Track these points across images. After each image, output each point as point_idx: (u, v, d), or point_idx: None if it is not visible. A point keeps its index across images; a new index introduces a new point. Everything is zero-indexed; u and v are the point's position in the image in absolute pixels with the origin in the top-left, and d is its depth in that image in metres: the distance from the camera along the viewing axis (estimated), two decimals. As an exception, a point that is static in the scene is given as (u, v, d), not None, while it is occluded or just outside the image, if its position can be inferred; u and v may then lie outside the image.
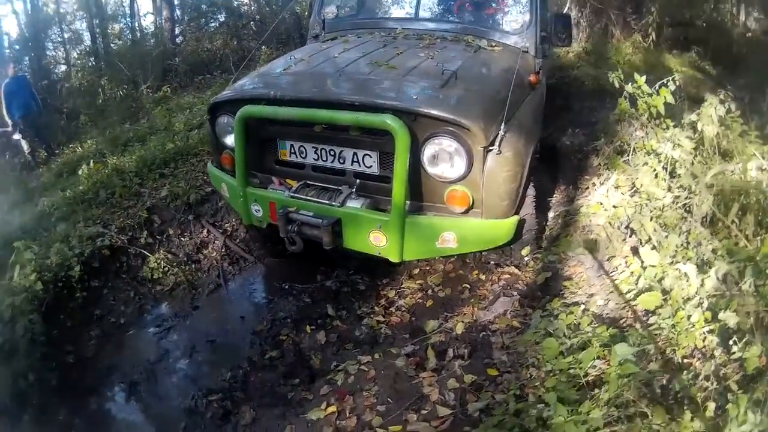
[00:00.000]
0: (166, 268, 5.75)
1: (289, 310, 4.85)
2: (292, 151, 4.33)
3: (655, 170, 4.25)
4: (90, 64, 17.43)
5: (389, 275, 4.98)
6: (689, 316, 3.02)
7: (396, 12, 6.14)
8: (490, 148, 3.68)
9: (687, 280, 3.23)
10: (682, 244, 3.60)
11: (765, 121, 6.17)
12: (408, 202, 3.90)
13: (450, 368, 3.55)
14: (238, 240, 6.10)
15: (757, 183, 3.61)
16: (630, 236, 4.10)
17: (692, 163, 4.03)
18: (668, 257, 3.56)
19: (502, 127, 3.73)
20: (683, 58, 13.53)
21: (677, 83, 4.68)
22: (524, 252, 4.55)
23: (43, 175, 10.18)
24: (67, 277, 5.30)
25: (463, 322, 4.02)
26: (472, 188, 3.77)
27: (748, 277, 2.83)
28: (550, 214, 5.42)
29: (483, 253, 4.71)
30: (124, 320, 5.26)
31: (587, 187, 5.17)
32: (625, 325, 3.30)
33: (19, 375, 4.32)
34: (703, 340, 2.86)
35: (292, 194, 4.20)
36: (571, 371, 2.82)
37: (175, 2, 18.04)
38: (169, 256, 5.93)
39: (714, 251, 3.32)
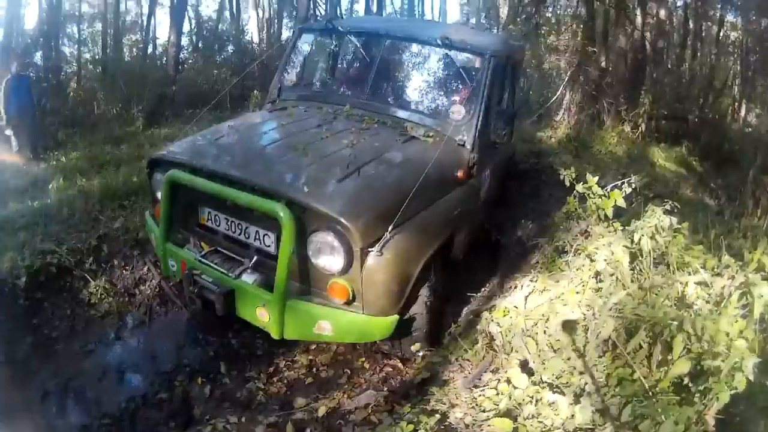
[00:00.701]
0: (103, 296, 6.15)
1: (192, 359, 5.21)
2: (209, 217, 4.68)
3: (581, 279, 4.23)
4: (97, 71, 17.75)
5: (286, 345, 5.21)
6: None
7: (350, 90, 6.34)
8: (370, 249, 3.87)
9: (556, 410, 3.32)
10: (567, 370, 3.59)
11: (729, 227, 6.23)
12: (298, 284, 4.22)
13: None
14: (171, 284, 6.36)
15: (664, 314, 3.49)
16: (514, 351, 4.04)
17: (614, 276, 4.00)
18: (548, 379, 3.59)
19: (389, 229, 3.91)
20: (670, 152, 13.68)
21: (634, 186, 4.69)
22: (414, 348, 4.60)
23: (21, 177, 10.38)
24: (13, 285, 5.77)
25: (327, 406, 4.18)
26: (352, 283, 3.95)
27: (627, 413, 2.95)
28: (465, 310, 5.37)
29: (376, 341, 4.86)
30: (56, 334, 5.67)
31: (512, 287, 4.94)
32: None
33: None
34: None
35: (199, 258, 4.53)
36: None
37: (185, 30, 18.38)
38: (108, 285, 6.31)
39: (606, 380, 3.40)
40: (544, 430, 3.23)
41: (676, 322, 3.31)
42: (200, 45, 19.69)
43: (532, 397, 3.47)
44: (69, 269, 6.30)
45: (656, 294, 3.74)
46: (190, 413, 4.49)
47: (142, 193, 7.75)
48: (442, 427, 3.52)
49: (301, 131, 5.19)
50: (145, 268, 6.60)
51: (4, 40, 17.73)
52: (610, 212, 4.58)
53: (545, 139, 12.37)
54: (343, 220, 3.83)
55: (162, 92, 15.25)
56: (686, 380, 3.12)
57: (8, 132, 11.74)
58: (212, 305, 4.38)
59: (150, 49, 21.66)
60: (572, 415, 3.16)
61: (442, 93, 5.99)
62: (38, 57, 18.51)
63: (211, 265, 4.44)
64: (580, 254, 4.53)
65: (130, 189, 8.12)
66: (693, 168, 13.73)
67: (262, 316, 4.19)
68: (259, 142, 5.02)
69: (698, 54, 22.02)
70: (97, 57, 20.82)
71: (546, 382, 3.57)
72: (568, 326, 3.88)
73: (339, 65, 6.81)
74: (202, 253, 4.62)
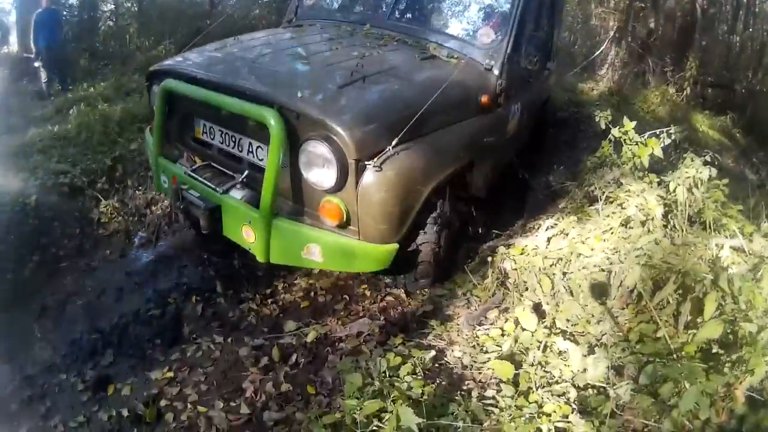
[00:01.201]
0: (113, 215, 6.10)
1: (192, 279, 5.08)
2: (204, 130, 4.43)
3: (609, 225, 3.95)
4: (133, 8, 17.69)
5: (288, 268, 4.96)
6: (541, 405, 2.79)
7: (371, 10, 5.97)
8: (367, 163, 3.49)
9: (566, 360, 3.07)
10: (584, 317, 3.39)
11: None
12: (290, 204, 3.91)
13: (278, 373, 3.63)
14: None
15: (698, 266, 3.29)
16: (526, 291, 3.80)
17: (646, 225, 3.80)
18: (561, 325, 3.37)
19: (393, 143, 3.52)
20: (714, 121, 13.35)
21: (674, 138, 4.47)
22: (418, 284, 4.42)
23: (48, 106, 10.54)
24: (23, 204, 5.74)
25: (317, 332, 3.99)
26: (346, 202, 3.59)
27: (647, 373, 2.71)
28: (483, 247, 4.97)
29: (387, 274, 4.54)
30: (63, 253, 5.63)
31: (534, 227, 4.70)
32: (463, 388, 3.05)
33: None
34: None
35: (188, 172, 4.27)
36: (354, 414, 2.63)
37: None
38: (119, 205, 6.27)
39: (627, 335, 3.15)
40: (550, 381, 2.97)
41: (710, 277, 3.06)
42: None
43: (540, 343, 3.21)
44: (81, 189, 6.28)
45: (689, 253, 3.46)
46: (179, 331, 4.36)
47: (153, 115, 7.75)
48: (437, 365, 3.29)
49: (307, 44, 4.90)
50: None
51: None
52: (645, 161, 4.36)
53: (587, 90, 12.03)
54: (336, 126, 3.45)
55: (198, 27, 15.13)
56: (715, 348, 2.84)
57: (37, 64, 11.94)
58: (197, 222, 4.19)
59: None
60: (584, 369, 2.93)
61: (471, 14, 5.55)
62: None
63: (200, 179, 4.17)
64: (611, 202, 4.23)
65: (151, 113, 7.93)
66: (736, 139, 13.32)
67: (248, 235, 3.88)
68: (261, 51, 4.64)
69: (750, 28, 21.50)
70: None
71: (559, 328, 3.33)
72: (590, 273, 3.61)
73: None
74: (193, 167, 4.36)
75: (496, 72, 4.74)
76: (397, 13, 5.55)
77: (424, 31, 5.24)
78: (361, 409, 2.62)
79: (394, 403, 2.58)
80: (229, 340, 4.08)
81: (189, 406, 3.46)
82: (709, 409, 2.44)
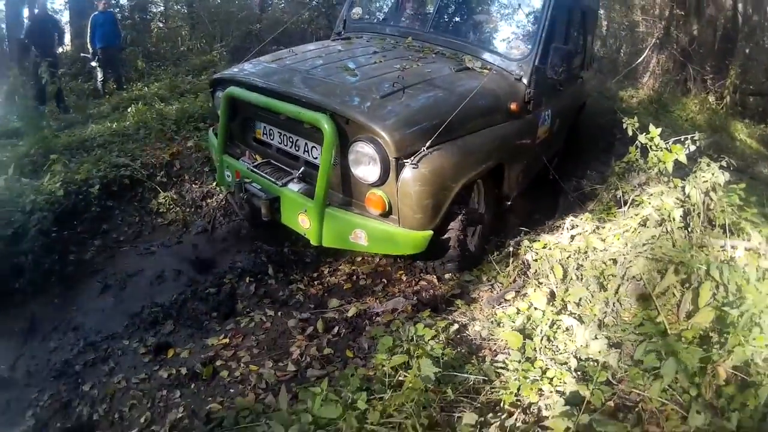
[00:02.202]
0: (171, 206, 6.76)
1: (245, 263, 5.70)
2: (264, 132, 5.15)
3: (627, 224, 4.33)
4: (183, 10, 18.43)
5: (333, 255, 5.66)
6: (545, 370, 3.23)
7: (413, 23, 6.62)
8: (405, 160, 4.10)
9: (571, 336, 3.54)
10: (591, 301, 3.80)
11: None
12: (340, 196, 4.61)
13: (322, 340, 4.21)
14: (236, 198, 6.87)
15: (692, 257, 3.66)
16: (544, 278, 4.25)
17: (662, 224, 4.11)
18: (571, 308, 3.81)
19: (427, 144, 4.11)
20: (753, 129, 13.40)
21: (698, 145, 4.69)
22: (445, 269, 5.03)
23: (104, 104, 11.34)
24: (87, 192, 6.43)
25: (357, 308, 4.58)
26: (388, 194, 4.22)
27: (641, 350, 3.06)
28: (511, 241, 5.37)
29: (417, 258, 5.14)
30: (123, 238, 6.33)
31: (560, 226, 5.08)
32: (479, 355, 3.56)
33: (21, 253, 5.43)
34: (539, 396, 3.04)
35: (251, 168, 4.99)
36: (383, 367, 3.21)
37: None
38: (176, 196, 6.94)
39: (630, 319, 3.56)
40: (555, 352, 3.43)
41: (704, 267, 3.47)
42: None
43: (549, 320, 3.67)
44: (141, 181, 6.95)
45: (705, 253, 3.80)
46: (233, 306, 4.97)
47: (217, 117, 8.33)
48: (459, 336, 3.84)
49: (356, 56, 5.57)
50: (213, 183, 7.14)
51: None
52: (670, 166, 4.62)
53: (627, 98, 12.32)
54: (379, 130, 4.08)
55: (247, 30, 15.81)
56: (712, 335, 3.22)
57: (93, 64, 12.75)
58: (259, 211, 4.82)
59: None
60: (587, 344, 3.35)
61: (504, 27, 6.15)
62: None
63: (261, 174, 4.90)
64: (637, 205, 4.61)
65: (206, 113, 8.77)
66: (775, 150, 13.38)
67: (303, 222, 4.56)
68: (314, 63, 5.33)
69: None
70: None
71: (568, 310, 3.80)
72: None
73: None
74: (255, 163, 5.09)
75: (525, 81, 5.35)
76: (436, 27, 6.19)
77: (461, 44, 5.86)
78: (389, 361, 3.19)
79: (417, 359, 3.14)
80: (279, 313, 4.70)
81: (242, 365, 4.05)
82: (691, 381, 2.88)
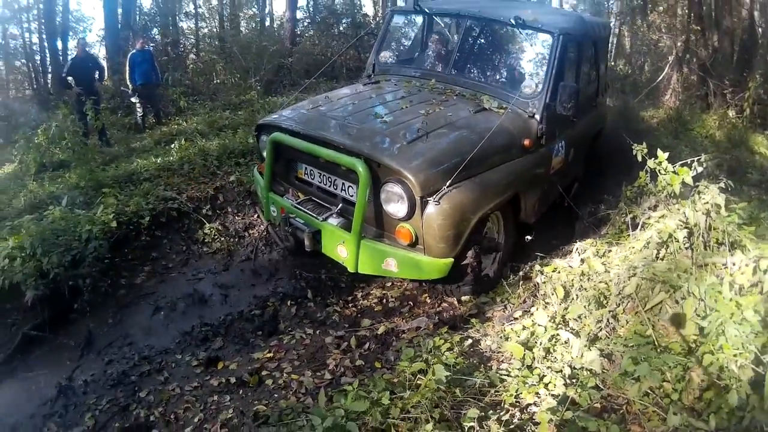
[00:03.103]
0: (215, 236, 7.58)
1: (286, 288, 6.47)
2: (305, 172, 5.91)
3: (633, 247, 4.67)
4: (215, 44, 19.45)
5: (366, 282, 6.40)
6: (542, 376, 3.77)
7: (435, 66, 7.26)
8: (428, 198, 4.80)
9: (568, 347, 3.94)
10: (589, 317, 4.21)
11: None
12: (373, 229, 5.34)
13: (354, 354, 4.93)
14: (277, 230, 7.51)
15: (677, 276, 3.98)
16: (550, 296, 4.69)
17: (665, 245, 4.37)
18: (570, 321, 4.27)
19: (448, 183, 4.81)
20: None
21: (705, 166, 4.97)
22: (462, 292, 5.66)
23: (145, 138, 12.29)
24: (138, 223, 7.29)
25: (386, 326, 5.30)
26: (415, 227, 4.93)
27: (625, 362, 3.47)
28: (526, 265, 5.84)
29: (442, 283, 5.70)
30: (171, 265, 7.15)
31: (571, 250, 5.42)
32: (488, 365, 4.15)
33: (80, 277, 6.23)
34: (535, 401, 3.57)
35: (295, 204, 5.77)
36: (406, 373, 3.81)
37: (299, 4, 19.87)
38: (221, 227, 7.76)
39: (623, 331, 3.94)
40: (552, 361, 3.95)
41: (686, 285, 3.88)
42: (317, 18, 20.98)
43: (549, 335, 4.20)
44: (187, 213, 7.81)
45: (707, 271, 4.05)
46: (276, 326, 5.73)
47: (257, 153, 9.02)
48: (471, 349, 4.51)
49: (385, 102, 6.33)
50: (255, 216, 7.99)
51: (123, 18, 19.62)
52: (677, 189, 4.96)
53: (648, 118, 12.79)
54: (406, 173, 4.81)
55: (279, 63, 16.63)
56: (693, 346, 3.63)
57: (134, 99, 13.62)
58: (302, 242, 5.59)
59: (267, 23, 23.31)
60: (581, 355, 3.81)
61: (516, 69, 6.84)
62: (156, 32, 20.52)
63: (304, 210, 5.64)
64: (647, 229, 4.88)
65: (245, 149, 9.69)
66: (798, 161, 13.56)
67: (341, 252, 5.29)
68: (348, 110, 6.04)
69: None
70: (214, 30, 22.72)
71: (567, 326, 4.28)
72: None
73: (425, 43, 7.66)
74: (298, 200, 5.87)
75: (537, 118, 6.03)
76: (456, 68, 6.93)
77: (479, 84, 6.61)
78: (410, 368, 3.90)
79: (432, 365, 3.83)
80: (317, 332, 5.47)
81: (284, 374, 4.75)
82: (674, 387, 3.37)
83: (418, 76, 6.99)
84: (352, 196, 5.39)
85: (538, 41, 6.54)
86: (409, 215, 4.96)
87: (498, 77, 6.91)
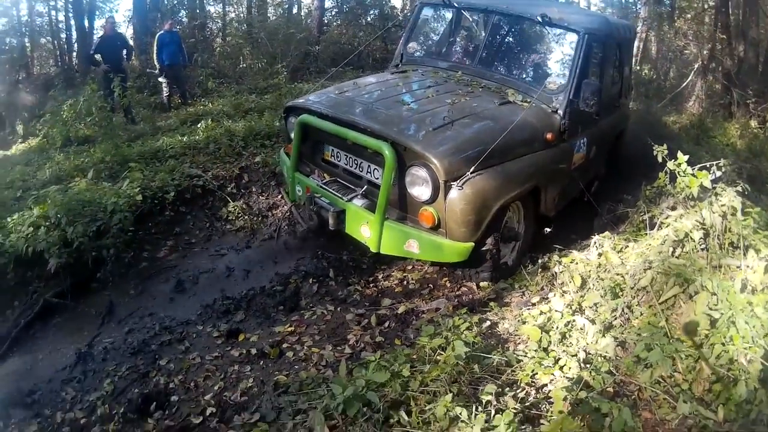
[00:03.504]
0: (239, 215, 7.76)
1: (308, 267, 6.59)
2: (332, 154, 6.07)
3: (649, 244, 4.74)
4: (242, 29, 19.57)
5: (387, 264, 6.52)
6: (558, 359, 3.85)
7: (462, 58, 7.44)
8: (452, 183, 4.94)
9: (584, 332, 4.02)
10: (599, 304, 4.30)
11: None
12: (396, 211, 5.48)
13: (375, 331, 5.04)
14: (300, 210, 7.62)
15: (692, 270, 4.01)
16: (567, 285, 4.79)
17: (681, 243, 4.43)
18: (586, 309, 4.32)
19: (471, 170, 4.95)
20: None
21: (724, 171, 5.05)
22: (480, 278, 5.76)
23: (171, 118, 12.50)
24: (162, 198, 7.50)
25: (406, 306, 5.39)
26: (438, 211, 5.06)
27: (640, 346, 3.57)
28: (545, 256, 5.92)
29: (462, 267, 5.87)
30: (194, 240, 7.35)
31: (589, 245, 5.48)
32: (505, 345, 4.25)
33: (103, 247, 6.42)
34: (550, 382, 3.67)
35: (321, 184, 5.92)
36: (426, 349, 4.01)
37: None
38: (245, 206, 7.93)
39: (636, 322, 3.99)
40: (568, 346, 4.05)
41: (699, 279, 3.94)
42: (345, 8, 21.13)
43: (566, 320, 4.28)
44: (212, 191, 8.00)
45: (721, 272, 4.13)
46: (297, 302, 5.84)
47: (282, 136, 9.26)
48: (490, 331, 4.63)
49: (412, 90, 6.49)
50: (279, 196, 8.15)
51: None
52: (695, 191, 4.98)
53: (670, 123, 12.83)
54: (432, 158, 4.96)
55: (306, 51, 16.78)
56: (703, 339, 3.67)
57: (160, 79, 13.94)
58: (326, 222, 5.74)
59: (294, 10, 23.51)
60: (596, 341, 3.92)
61: (541, 65, 6.96)
62: (183, 15, 20.72)
63: (330, 190, 5.82)
64: (664, 228, 4.95)
65: (271, 132, 9.86)
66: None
67: (365, 232, 5.47)
68: (376, 96, 6.21)
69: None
70: (242, 15, 22.89)
71: (584, 314, 4.34)
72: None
73: (453, 36, 7.82)
74: (324, 181, 6.03)
75: (560, 113, 6.16)
76: (482, 62, 7.06)
77: (504, 78, 6.74)
78: (430, 343, 4.07)
79: (452, 342, 4.01)
80: (338, 309, 5.59)
81: (305, 347, 4.86)
82: (684, 377, 3.50)
83: (445, 67, 7.13)
84: (377, 178, 5.54)
85: (564, 39, 6.66)
86: (433, 199, 5.10)
87: (523, 72, 7.03)
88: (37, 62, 24.11)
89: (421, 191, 5.17)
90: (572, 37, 6.48)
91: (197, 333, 5.39)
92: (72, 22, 22.22)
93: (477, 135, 5.46)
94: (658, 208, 5.57)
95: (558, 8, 6.88)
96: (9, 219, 6.59)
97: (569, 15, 6.74)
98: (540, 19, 6.54)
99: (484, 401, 3.46)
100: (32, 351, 5.52)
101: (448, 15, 7.81)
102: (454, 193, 4.97)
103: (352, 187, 5.81)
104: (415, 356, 4.11)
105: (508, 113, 5.85)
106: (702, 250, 4.41)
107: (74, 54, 21.81)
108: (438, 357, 3.97)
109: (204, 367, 4.78)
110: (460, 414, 3.32)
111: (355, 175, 5.85)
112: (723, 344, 3.52)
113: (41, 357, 5.41)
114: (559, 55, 6.74)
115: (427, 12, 7.95)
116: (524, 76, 6.93)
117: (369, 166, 5.67)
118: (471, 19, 7.58)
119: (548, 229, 6.00)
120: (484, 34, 7.29)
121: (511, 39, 7.36)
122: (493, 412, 3.36)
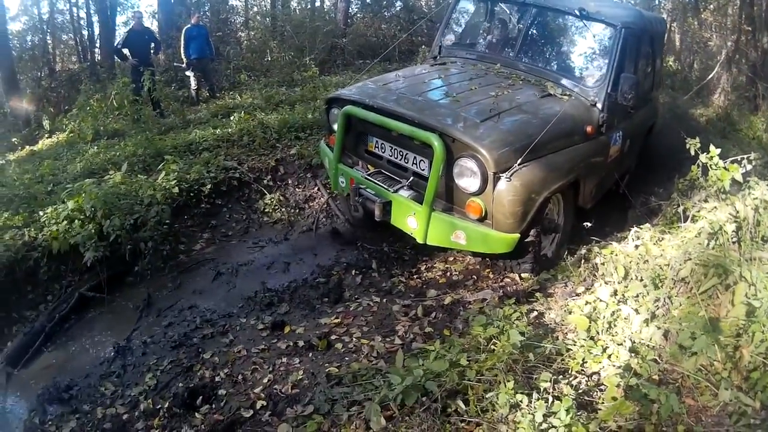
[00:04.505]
0: (276, 207, 7.85)
1: (349, 258, 6.67)
2: (376, 145, 6.09)
3: (685, 237, 4.70)
4: (266, 22, 19.69)
5: (429, 255, 6.51)
6: (605, 347, 3.91)
7: (501, 50, 7.41)
8: (501, 174, 4.97)
9: (629, 322, 4.07)
10: (642, 294, 4.32)
11: None
12: (443, 202, 5.50)
13: (422, 322, 5.08)
14: (338, 202, 7.84)
15: (730, 260, 4.02)
16: (610, 276, 4.79)
17: (716, 236, 4.40)
18: (629, 299, 4.33)
19: (518, 161, 4.97)
20: None
21: (754, 164, 4.94)
22: (522, 269, 5.83)
23: (200, 111, 12.64)
24: (198, 190, 7.59)
25: (452, 297, 5.44)
26: (485, 202, 5.09)
27: (684, 335, 3.59)
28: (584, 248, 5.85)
29: (503, 258, 5.90)
30: (231, 233, 7.44)
31: (625, 236, 5.52)
32: (553, 335, 4.28)
33: (141, 240, 6.49)
34: (600, 369, 3.75)
35: (366, 176, 5.95)
36: (480, 338, 4.09)
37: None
38: (282, 198, 8.02)
39: (677, 312, 3.99)
40: (614, 335, 4.09)
41: (738, 269, 3.97)
42: (368, 0, 21.19)
43: (611, 310, 4.32)
44: (248, 183, 8.08)
45: (755, 265, 4.12)
46: (341, 294, 5.89)
47: (316, 128, 9.51)
48: (537, 321, 4.70)
49: (453, 83, 6.51)
50: (315, 189, 8.23)
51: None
52: (727, 184, 5.03)
53: (697, 116, 12.77)
54: (482, 149, 4.99)
55: (332, 43, 16.84)
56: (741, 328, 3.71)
57: (188, 73, 14.05)
58: (372, 213, 5.76)
59: (318, 3, 23.56)
60: (640, 330, 3.98)
61: (579, 58, 6.97)
62: (207, 9, 20.85)
63: (375, 181, 5.83)
64: (696, 221, 4.95)
65: (305, 124, 9.90)
66: None
67: (411, 223, 5.48)
68: (420, 88, 6.25)
69: None
70: (265, 9, 23.03)
71: (627, 303, 4.35)
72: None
73: (492, 28, 7.80)
74: (369, 172, 6.06)
75: (599, 106, 6.17)
76: (521, 54, 7.09)
77: (543, 71, 6.74)
78: (484, 332, 4.14)
79: (507, 331, 4.09)
80: (384, 300, 5.64)
81: (354, 339, 4.90)
82: (723, 364, 3.49)
83: (483, 60, 7.18)
84: (423, 170, 5.58)
85: (601, 32, 6.65)
86: (481, 190, 5.13)
87: (561, 65, 7.00)
88: (59, 59, 24.25)
89: (469, 182, 5.20)
90: (609, 31, 6.49)
91: (240, 326, 5.42)
92: (94, 18, 22.31)
93: (523, 127, 5.50)
94: (691, 201, 5.59)
95: (594, 2, 6.85)
96: (42, 213, 6.67)
97: (606, 8, 6.75)
98: (577, 12, 6.57)
99: (541, 388, 3.52)
100: (67, 345, 5.60)
101: (485, 7, 7.85)
102: (502, 184, 5.01)
103: (397, 178, 5.82)
104: (468, 346, 4.16)
105: (550, 106, 5.89)
106: (734, 242, 4.43)
107: (96, 50, 21.91)
108: (492, 346, 4.03)
109: (251, 360, 4.79)
110: (521, 401, 3.39)
111: (401, 166, 5.87)
112: (762, 332, 3.59)
113: (77, 351, 5.48)
114: (597, 48, 6.74)
115: (464, 4, 7.97)
116: (562, 68, 6.91)
117: (415, 157, 5.68)
118: (508, 12, 7.59)
119: (588, 224, 6.01)
120: (521, 27, 7.30)
121: (548, 31, 7.34)
122: (551, 399, 3.43)
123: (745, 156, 5.04)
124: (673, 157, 9.12)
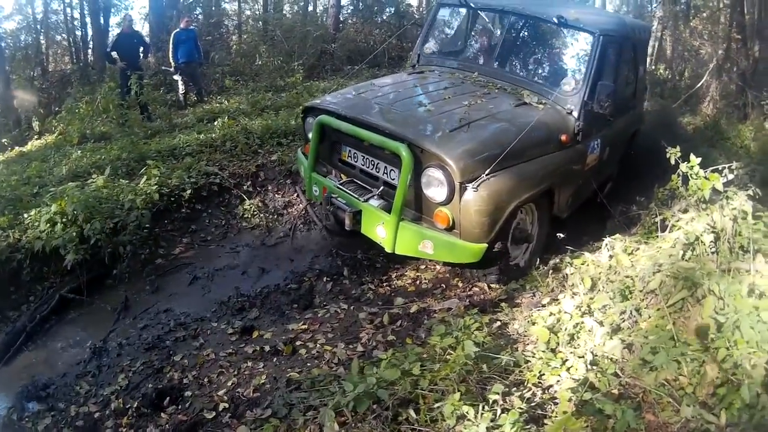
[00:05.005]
0: (255, 212, 7.89)
1: (323, 265, 6.73)
2: (349, 154, 6.11)
3: (660, 247, 4.68)
4: (258, 26, 19.81)
5: (401, 263, 6.54)
6: (565, 360, 3.89)
7: (478, 59, 7.48)
8: (467, 184, 4.95)
9: (592, 334, 4.02)
10: (608, 306, 4.30)
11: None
12: (412, 212, 5.53)
13: (387, 330, 5.08)
14: (316, 209, 7.84)
15: (699, 273, 3.99)
16: (578, 287, 4.78)
17: (691, 247, 4.39)
18: (595, 311, 4.40)
19: (486, 171, 4.95)
20: None
21: (736, 174, 4.89)
22: (489, 279, 5.84)
23: (187, 115, 12.64)
24: (179, 195, 7.63)
25: (418, 306, 5.45)
26: (453, 212, 5.08)
27: (644, 351, 3.60)
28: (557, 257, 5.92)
29: (471, 268, 5.91)
30: (210, 238, 7.49)
31: (600, 247, 5.33)
32: (514, 346, 4.30)
33: (120, 244, 6.58)
34: (557, 382, 3.72)
35: (337, 185, 5.98)
36: (436, 348, 4.11)
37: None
38: (261, 204, 8.06)
39: (644, 325, 3.98)
40: (575, 347, 4.06)
41: (707, 283, 3.92)
42: (360, 6, 21.25)
43: (574, 321, 4.28)
44: (228, 189, 8.13)
45: (730, 276, 4.09)
46: (311, 300, 5.96)
47: (299, 134, 9.49)
48: (500, 331, 4.72)
49: (429, 92, 6.57)
50: (294, 195, 8.27)
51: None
52: (707, 194, 4.91)
53: (685, 124, 12.79)
54: (448, 159, 4.98)
55: (322, 49, 16.90)
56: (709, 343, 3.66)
57: (176, 77, 14.04)
58: (342, 222, 5.79)
59: (310, 8, 23.61)
60: (603, 343, 3.92)
61: (556, 66, 7.01)
62: (199, 12, 20.94)
63: (346, 190, 5.81)
64: (675, 230, 4.85)
65: (288, 130, 9.97)
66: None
67: (380, 233, 5.48)
68: (395, 97, 6.28)
69: None
70: (257, 13, 23.12)
71: (593, 315, 4.33)
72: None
73: (470, 36, 7.88)
74: (341, 181, 6.10)
75: (575, 114, 6.16)
76: (499, 63, 7.13)
77: (520, 80, 6.77)
78: (440, 342, 4.17)
79: (462, 341, 4.10)
80: (351, 307, 5.67)
81: (318, 345, 4.93)
82: (689, 380, 3.52)
83: (461, 68, 7.20)
84: (393, 179, 5.58)
85: (579, 40, 6.67)
86: (448, 200, 5.13)
87: (539, 73, 7.08)
88: (52, 59, 24.33)
89: (436, 192, 5.20)
90: (588, 39, 6.49)
91: (212, 329, 5.50)
92: (87, 19, 22.36)
93: (493, 136, 5.53)
94: (670, 211, 5.51)
95: (574, 9, 6.91)
96: (26, 215, 6.77)
97: (585, 16, 6.77)
98: (556, 20, 6.59)
99: (490, 400, 3.54)
100: (47, 346, 5.70)
101: (465, 15, 7.85)
102: (469, 194, 5.01)
103: (369, 187, 5.82)
104: (425, 355, 4.20)
105: (524, 115, 5.89)
106: (712, 253, 4.38)
107: (89, 51, 21.99)
108: (448, 356, 4.06)
109: (218, 363, 4.87)
110: (467, 413, 3.41)
111: (372, 175, 5.87)
112: (728, 348, 3.57)
113: (56, 352, 5.58)
114: (575, 55, 6.78)
115: (444, 12, 7.99)
116: (540, 77, 6.98)
117: (385, 167, 5.70)
118: (487, 20, 7.65)
119: (561, 235, 6.05)
120: (500, 35, 7.38)
121: (526, 39, 7.41)
122: (499, 411, 3.44)
123: (727, 165, 5.01)
124: (659, 165, 9.11)
